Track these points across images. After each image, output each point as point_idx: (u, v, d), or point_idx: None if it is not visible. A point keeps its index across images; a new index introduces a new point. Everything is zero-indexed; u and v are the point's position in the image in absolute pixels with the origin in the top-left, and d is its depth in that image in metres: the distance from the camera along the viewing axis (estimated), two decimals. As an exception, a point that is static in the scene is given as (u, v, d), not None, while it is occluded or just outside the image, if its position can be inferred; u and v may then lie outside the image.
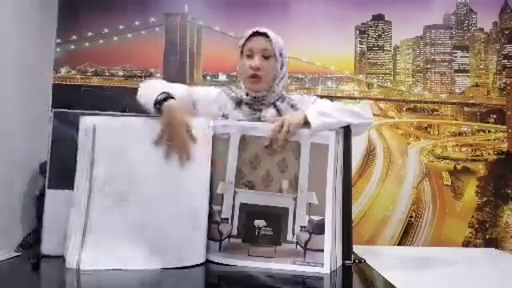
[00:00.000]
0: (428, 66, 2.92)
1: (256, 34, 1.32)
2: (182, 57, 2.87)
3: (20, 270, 1.10)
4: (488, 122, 2.81)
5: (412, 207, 2.71)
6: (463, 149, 2.79)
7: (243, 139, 1.13)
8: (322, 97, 1.42)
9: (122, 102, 2.38)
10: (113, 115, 1.11)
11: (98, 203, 1.03)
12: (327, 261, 1.06)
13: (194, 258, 1.07)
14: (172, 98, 1.13)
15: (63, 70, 2.78)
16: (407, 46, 2.94)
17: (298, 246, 1.08)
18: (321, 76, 2.91)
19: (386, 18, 2.90)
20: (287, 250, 1.08)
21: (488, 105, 2.83)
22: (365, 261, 1.18)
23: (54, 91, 2.15)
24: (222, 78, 2.87)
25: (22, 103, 1.65)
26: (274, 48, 1.31)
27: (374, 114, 2.76)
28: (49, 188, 1.14)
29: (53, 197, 1.13)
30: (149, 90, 1.19)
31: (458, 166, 2.76)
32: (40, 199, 1.22)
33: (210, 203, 1.11)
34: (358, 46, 2.94)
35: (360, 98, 2.88)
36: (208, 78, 2.88)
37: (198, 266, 1.06)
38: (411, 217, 2.70)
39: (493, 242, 2.62)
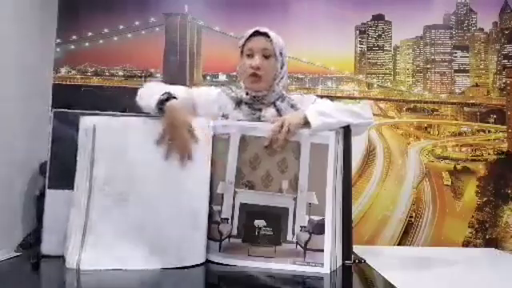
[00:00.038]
0: (428, 66, 2.91)
1: (256, 33, 1.32)
2: (182, 57, 2.87)
3: (20, 270, 1.11)
4: (488, 122, 2.80)
5: (412, 207, 2.71)
6: (463, 149, 2.79)
7: (243, 139, 1.13)
8: (322, 97, 1.42)
9: (122, 101, 2.37)
10: (113, 115, 1.11)
11: (98, 203, 1.03)
12: (327, 261, 1.06)
13: (194, 258, 1.07)
14: (174, 98, 1.13)
15: (63, 70, 2.77)
16: (407, 46, 2.93)
17: (298, 246, 1.08)
18: (321, 76, 2.90)
19: (386, 18, 2.90)
20: (287, 250, 1.08)
21: (488, 105, 2.82)
22: (365, 261, 1.18)
23: (54, 91, 2.15)
24: (222, 78, 2.87)
25: (21, 103, 1.66)
26: (275, 48, 1.31)
27: (374, 114, 2.75)
28: (49, 188, 1.14)
29: (53, 197, 1.13)
30: (149, 92, 1.19)
31: (458, 166, 2.76)
32: (40, 199, 1.22)
33: (210, 203, 1.11)
34: (358, 45, 2.93)
35: (360, 98, 2.88)
36: (208, 78, 2.87)
37: (197, 266, 1.06)
38: (411, 217, 2.70)
39: (493, 242, 2.61)
